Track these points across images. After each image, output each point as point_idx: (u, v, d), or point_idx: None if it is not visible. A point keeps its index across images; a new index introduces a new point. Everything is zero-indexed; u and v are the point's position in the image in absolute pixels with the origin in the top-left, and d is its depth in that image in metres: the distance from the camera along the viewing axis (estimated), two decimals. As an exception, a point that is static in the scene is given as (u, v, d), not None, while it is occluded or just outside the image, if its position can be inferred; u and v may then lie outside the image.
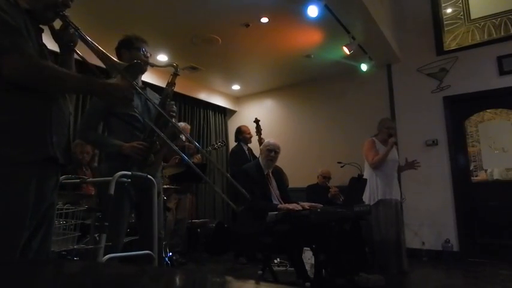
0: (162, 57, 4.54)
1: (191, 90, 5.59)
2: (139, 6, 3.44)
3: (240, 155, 4.32)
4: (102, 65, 1.46)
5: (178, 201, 4.18)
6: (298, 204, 2.83)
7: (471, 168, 4.42)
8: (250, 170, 3.03)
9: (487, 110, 4.40)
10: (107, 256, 1.66)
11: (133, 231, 2.31)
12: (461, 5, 4.63)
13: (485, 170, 4.35)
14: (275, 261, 3.74)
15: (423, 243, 4.37)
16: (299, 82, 5.77)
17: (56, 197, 1.35)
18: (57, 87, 1.25)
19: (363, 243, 3.24)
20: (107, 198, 1.70)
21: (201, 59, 4.74)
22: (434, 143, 4.53)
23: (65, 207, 1.83)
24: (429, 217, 4.42)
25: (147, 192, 1.94)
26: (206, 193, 5.79)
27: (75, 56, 1.45)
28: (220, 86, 6.04)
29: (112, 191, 1.69)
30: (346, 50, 4.08)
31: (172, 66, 2.09)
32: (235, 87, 6.05)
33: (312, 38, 4.22)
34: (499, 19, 4.35)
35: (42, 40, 1.31)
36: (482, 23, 4.45)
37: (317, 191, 4.75)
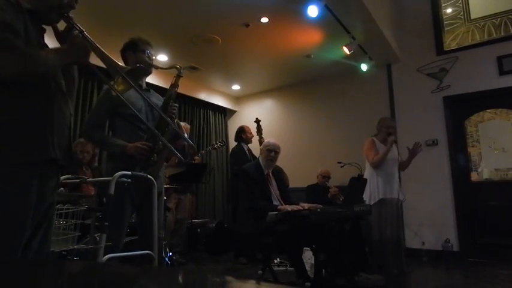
0: (162, 57, 4.54)
1: (191, 90, 5.59)
2: (140, 6, 3.44)
3: (241, 155, 4.32)
4: (103, 66, 1.45)
5: (178, 201, 4.19)
6: (298, 205, 2.83)
7: (472, 167, 4.42)
8: (250, 170, 3.03)
9: (487, 110, 4.40)
10: (107, 256, 1.66)
11: (134, 231, 2.32)
12: (461, 5, 4.63)
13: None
14: (275, 261, 3.73)
15: (423, 243, 4.37)
16: (299, 82, 5.77)
17: (55, 197, 1.35)
18: (42, 71, 1.21)
19: (363, 243, 3.24)
20: (107, 198, 1.70)
21: (201, 59, 4.74)
22: (434, 143, 4.53)
23: (65, 207, 1.83)
24: (429, 217, 4.42)
25: (148, 192, 1.94)
26: (206, 193, 5.79)
27: None
28: (220, 86, 6.04)
29: (112, 190, 1.70)
30: (346, 50, 4.08)
31: (176, 68, 2.11)
32: (235, 87, 6.05)
33: (312, 38, 4.22)
34: (499, 19, 4.35)
35: (44, 40, 1.30)
36: (482, 23, 4.45)
37: (317, 191, 4.75)
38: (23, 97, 1.18)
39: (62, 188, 2.19)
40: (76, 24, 1.34)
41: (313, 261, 2.95)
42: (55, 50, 1.28)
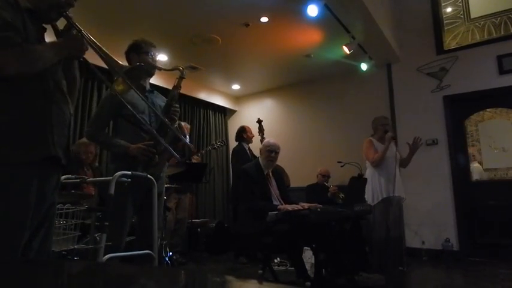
0: (162, 57, 4.54)
1: (191, 90, 5.59)
2: (140, 6, 3.44)
3: (242, 155, 4.33)
4: (104, 65, 1.46)
5: (178, 201, 4.19)
6: (298, 204, 2.83)
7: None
8: (250, 169, 3.03)
9: (487, 110, 4.40)
10: (107, 256, 1.66)
11: (133, 231, 2.32)
12: (461, 4, 4.63)
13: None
14: (275, 260, 3.74)
15: (423, 242, 4.37)
16: (299, 82, 5.77)
17: (56, 197, 1.35)
18: (40, 66, 1.21)
19: (363, 242, 3.24)
20: (108, 198, 1.70)
21: (201, 58, 4.74)
22: (434, 142, 4.53)
23: (65, 207, 1.83)
24: (429, 216, 4.42)
25: (148, 192, 1.95)
26: (206, 193, 5.79)
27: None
28: (220, 86, 6.04)
29: (112, 190, 1.70)
30: (346, 49, 4.08)
31: (179, 70, 2.12)
32: (235, 86, 6.05)
33: (311, 38, 4.22)
34: (499, 18, 4.35)
35: (44, 39, 1.30)
36: (482, 22, 4.44)
37: (316, 190, 4.75)
38: (22, 96, 1.18)
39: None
40: (75, 24, 1.34)
41: (313, 261, 2.95)
42: (50, 44, 1.28)
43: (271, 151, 3.06)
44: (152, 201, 1.94)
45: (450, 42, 4.61)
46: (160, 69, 2.16)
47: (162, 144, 2.03)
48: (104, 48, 1.41)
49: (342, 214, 2.85)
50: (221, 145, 4.76)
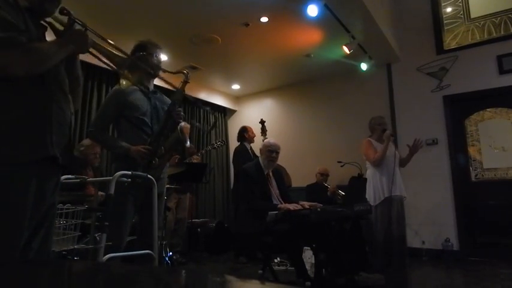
0: (163, 57, 4.49)
1: (191, 89, 5.59)
2: (139, 6, 3.44)
3: (244, 154, 4.34)
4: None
5: (178, 201, 4.19)
6: (298, 204, 2.83)
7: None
8: (250, 169, 3.03)
9: (487, 109, 4.40)
10: (107, 256, 1.66)
11: (133, 230, 2.32)
12: (461, 4, 4.63)
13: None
14: (275, 260, 3.74)
15: (423, 242, 4.37)
16: (299, 81, 5.77)
17: (57, 198, 1.34)
18: (47, 65, 1.22)
19: (363, 242, 3.23)
20: (108, 198, 1.70)
21: (201, 58, 4.74)
22: (434, 142, 4.53)
23: (65, 207, 1.83)
24: (429, 216, 4.42)
25: (148, 192, 1.95)
26: (206, 193, 5.79)
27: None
28: (220, 86, 6.04)
29: (112, 190, 1.70)
30: (346, 49, 4.08)
31: (183, 73, 2.12)
32: (235, 86, 6.05)
33: (311, 38, 4.22)
34: (498, 18, 4.35)
35: (45, 38, 1.30)
36: (482, 22, 4.44)
37: (316, 190, 4.76)
38: (22, 96, 1.17)
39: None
40: (77, 19, 1.33)
41: (313, 261, 2.95)
42: (55, 41, 1.28)
43: (271, 151, 3.06)
44: (152, 201, 1.94)
45: (450, 42, 4.61)
46: (164, 71, 2.16)
47: (162, 148, 2.05)
48: (109, 41, 1.41)
49: (342, 214, 2.85)
50: (221, 145, 4.76)
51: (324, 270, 2.75)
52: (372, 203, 3.36)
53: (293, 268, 2.98)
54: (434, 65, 4.64)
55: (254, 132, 4.60)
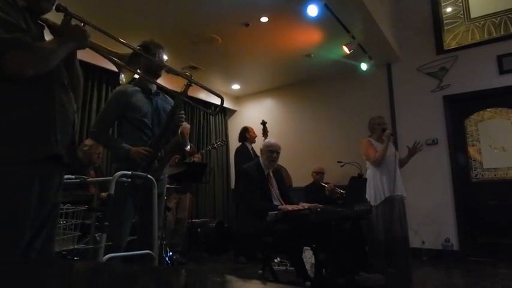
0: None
1: (191, 89, 5.48)
2: (139, 6, 3.43)
3: (245, 154, 4.35)
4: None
5: (178, 201, 4.19)
6: (299, 205, 2.83)
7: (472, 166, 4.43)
8: (251, 169, 3.03)
9: (487, 109, 4.40)
10: (107, 256, 1.66)
11: (133, 230, 2.32)
12: (461, 4, 4.63)
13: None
14: (275, 260, 3.74)
15: (423, 242, 4.37)
16: (299, 81, 5.77)
17: (59, 198, 1.34)
18: (54, 62, 1.23)
19: (363, 242, 3.23)
20: (108, 198, 1.70)
21: (201, 58, 4.74)
22: (434, 142, 4.53)
23: (65, 207, 1.83)
24: (429, 216, 4.42)
25: (148, 193, 1.96)
26: (206, 193, 5.79)
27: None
28: (220, 86, 6.04)
29: (112, 190, 1.70)
30: (346, 49, 4.07)
31: (186, 75, 2.11)
32: (235, 86, 6.05)
33: (311, 38, 4.22)
34: (498, 18, 4.35)
35: (44, 38, 1.30)
36: (482, 22, 4.44)
37: (314, 190, 4.77)
38: (25, 96, 1.18)
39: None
40: (74, 14, 1.33)
41: (313, 261, 2.95)
42: (56, 39, 1.28)
43: (272, 151, 3.06)
44: (152, 201, 1.95)
45: (450, 42, 4.61)
46: (168, 71, 2.14)
47: (162, 151, 2.06)
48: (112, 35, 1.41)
49: (342, 214, 2.85)
50: (221, 145, 4.76)
51: (324, 270, 2.75)
52: (372, 203, 3.36)
53: (293, 268, 2.98)
54: (434, 65, 4.64)
55: (256, 132, 4.62)
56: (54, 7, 1.31)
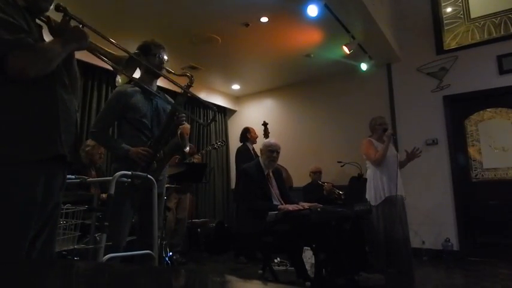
0: (162, 57, 4.52)
1: (191, 89, 5.57)
2: (139, 5, 3.43)
3: (246, 154, 4.36)
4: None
5: (179, 201, 4.19)
6: (299, 204, 2.83)
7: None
8: (250, 169, 3.03)
9: (487, 109, 4.40)
10: (107, 256, 1.66)
11: (133, 230, 2.32)
12: (461, 4, 4.63)
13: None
14: (275, 260, 3.74)
15: (423, 242, 4.37)
16: (299, 82, 5.77)
17: (61, 197, 1.35)
18: (55, 62, 1.23)
19: (363, 242, 3.23)
20: (107, 198, 1.71)
21: (200, 58, 4.74)
22: (434, 142, 4.53)
23: (65, 207, 1.83)
24: (429, 216, 4.42)
25: (147, 193, 1.96)
26: (206, 193, 5.79)
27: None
28: (220, 86, 6.04)
29: (112, 190, 1.70)
30: (346, 49, 4.08)
31: (187, 76, 2.12)
32: (235, 86, 6.05)
33: (311, 38, 4.22)
34: (498, 18, 4.35)
35: (43, 37, 1.31)
36: (482, 22, 4.44)
37: (312, 189, 4.78)
38: (28, 96, 1.18)
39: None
40: (73, 15, 1.34)
41: (313, 261, 2.95)
42: (56, 40, 1.28)
43: (272, 151, 3.06)
44: (152, 201, 1.95)
45: (450, 42, 4.61)
46: (168, 72, 2.15)
47: (162, 153, 2.06)
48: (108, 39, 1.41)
49: (342, 214, 2.85)
50: (221, 145, 4.77)
51: (324, 270, 2.75)
52: (372, 203, 3.36)
53: (293, 268, 2.99)
54: (434, 65, 4.64)
55: (257, 133, 4.64)
56: (53, 7, 1.32)
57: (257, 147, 4.51)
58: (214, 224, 4.84)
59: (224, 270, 3.73)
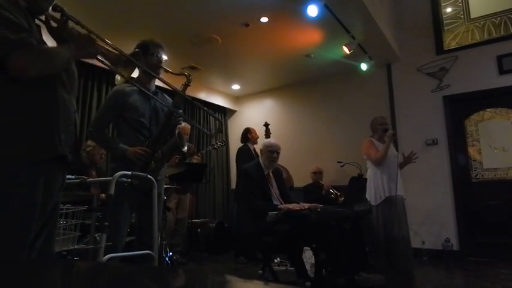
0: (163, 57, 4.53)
1: (191, 90, 5.49)
2: (139, 6, 3.43)
3: (247, 154, 4.37)
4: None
5: (179, 201, 4.19)
6: (299, 204, 2.83)
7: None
8: (250, 169, 3.03)
9: (487, 109, 4.40)
10: (107, 256, 1.66)
11: (132, 231, 2.32)
12: (461, 4, 4.63)
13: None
14: (275, 260, 3.74)
15: (423, 242, 4.37)
16: (299, 82, 5.77)
17: (60, 197, 1.34)
18: (59, 66, 1.24)
19: (363, 242, 3.23)
20: (107, 198, 1.70)
21: (200, 58, 4.74)
22: (434, 142, 4.53)
23: (65, 207, 1.83)
24: (429, 216, 4.42)
25: (146, 193, 1.95)
26: (206, 193, 5.79)
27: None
28: (220, 86, 6.04)
29: (112, 191, 1.70)
30: (346, 49, 4.07)
31: (185, 75, 2.11)
32: (235, 87, 6.05)
33: (311, 38, 4.22)
34: (498, 18, 4.35)
35: (42, 37, 1.31)
36: (482, 22, 4.44)
37: (312, 189, 4.78)
38: (29, 96, 1.18)
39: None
40: (71, 16, 1.34)
41: (313, 261, 2.95)
42: (67, 46, 1.29)
43: (272, 151, 3.06)
44: (152, 201, 1.94)
45: (450, 42, 4.61)
46: (166, 71, 2.14)
47: (160, 153, 2.05)
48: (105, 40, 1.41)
49: (342, 214, 2.85)
50: (221, 145, 4.77)
51: (324, 270, 2.75)
52: (372, 203, 3.36)
53: (293, 268, 2.99)
54: (434, 65, 4.64)
55: (258, 133, 4.65)
56: (51, 7, 1.32)
57: (258, 147, 4.53)
58: (214, 224, 4.84)
59: (224, 270, 3.73)
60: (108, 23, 3.66)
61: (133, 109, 2.06)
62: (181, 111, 2.15)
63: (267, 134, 4.74)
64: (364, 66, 4.75)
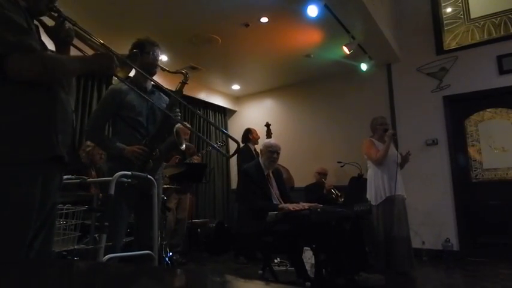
0: (162, 57, 4.53)
1: (191, 90, 5.59)
2: (139, 6, 3.44)
3: (248, 154, 4.37)
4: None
5: (179, 201, 4.19)
6: (299, 204, 2.83)
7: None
8: (250, 170, 3.03)
9: (487, 110, 4.40)
10: (107, 256, 1.66)
11: (131, 231, 2.32)
12: (461, 5, 4.63)
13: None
14: (275, 260, 3.74)
15: (423, 242, 4.37)
16: (299, 82, 5.77)
17: (58, 197, 1.35)
18: (60, 74, 1.25)
19: (363, 242, 3.23)
20: (107, 198, 1.70)
21: (201, 59, 4.74)
22: (434, 142, 4.53)
23: (65, 207, 1.83)
24: (429, 216, 4.42)
25: (145, 192, 1.95)
26: (206, 193, 5.79)
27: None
28: (220, 86, 6.04)
29: (112, 191, 1.70)
30: (345, 49, 4.08)
31: (182, 73, 2.10)
32: (235, 87, 6.05)
33: (311, 38, 4.22)
34: (498, 18, 4.35)
35: (40, 37, 1.31)
36: (482, 23, 4.45)
37: (314, 189, 4.78)
38: (27, 96, 1.18)
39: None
40: (68, 18, 1.34)
41: (313, 261, 2.95)
42: (80, 57, 1.31)
43: (272, 152, 3.07)
44: (151, 201, 1.94)
45: (450, 42, 4.61)
46: (163, 69, 2.13)
47: (157, 151, 2.04)
48: (98, 40, 1.41)
49: (342, 214, 2.85)
50: (221, 145, 4.77)
51: (324, 270, 2.75)
52: (373, 203, 3.36)
53: (293, 268, 2.98)
54: (434, 65, 4.64)
55: (258, 134, 4.66)
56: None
57: (259, 148, 4.53)
58: (214, 224, 4.84)
59: (224, 270, 3.73)
60: (108, 23, 3.66)
61: (131, 108, 2.05)
62: (178, 110, 2.14)
63: (268, 134, 4.75)
64: (364, 67, 4.75)
